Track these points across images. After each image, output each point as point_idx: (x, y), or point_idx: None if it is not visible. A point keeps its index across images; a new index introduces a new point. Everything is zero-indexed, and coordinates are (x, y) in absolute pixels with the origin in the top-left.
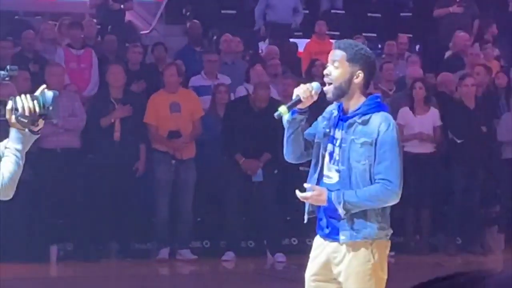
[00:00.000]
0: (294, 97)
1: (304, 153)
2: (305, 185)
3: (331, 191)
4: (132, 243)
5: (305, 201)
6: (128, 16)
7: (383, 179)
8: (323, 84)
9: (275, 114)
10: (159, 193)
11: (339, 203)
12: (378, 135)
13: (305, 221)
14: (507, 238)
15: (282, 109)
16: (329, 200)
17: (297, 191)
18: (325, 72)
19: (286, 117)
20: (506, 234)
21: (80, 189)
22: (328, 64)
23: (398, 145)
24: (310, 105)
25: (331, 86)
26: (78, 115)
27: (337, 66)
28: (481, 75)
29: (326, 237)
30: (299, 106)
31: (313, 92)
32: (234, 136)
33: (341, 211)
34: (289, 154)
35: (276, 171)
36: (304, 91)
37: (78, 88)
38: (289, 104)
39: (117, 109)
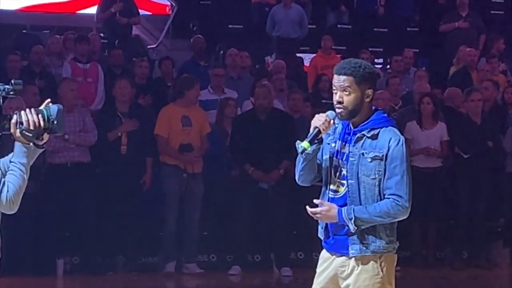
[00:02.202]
0: (311, 129)
1: (317, 175)
2: (315, 201)
3: (338, 205)
4: (138, 257)
5: (314, 217)
6: (135, 31)
7: (393, 194)
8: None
9: (299, 150)
10: (167, 206)
11: (350, 219)
12: (388, 150)
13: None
14: None
15: (305, 144)
16: (340, 216)
17: (307, 207)
18: (336, 99)
19: (307, 150)
20: (511, 248)
21: (87, 202)
22: (336, 91)
23: (407, 160)
24: None
25: (345, 110)
26: (90, 131)
27: (348, 93)
28: (489, 90)
29: (334, 251)
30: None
31: (331, 122)
32: (243, 148)
33: (352, 227)
34: (304, 181)
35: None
36: (323, 123)
37: (85, 102)
38: (309, 138)
39: (124, 123)
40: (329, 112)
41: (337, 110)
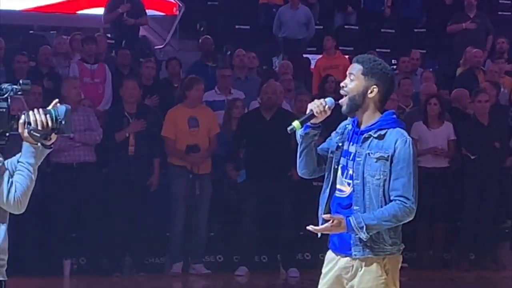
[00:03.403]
0: (307, 111)
1: (317, 168)
2: (324, 216)
3: (343, 206)
4: (145, 257)
5: (323, 232)
6: (142, 31)
7: (400, 196)
8: (336, 99)
9: (288, 128)
10: (175, 207)
11: (361, 228)
12: (394, 151)
13: (319, 236)
14: None
15: (295, 123)
16: (349, 226)
17: (311, 227)
18: (341, 84)
19: (299, 131)
20: None
21: (94, 203)
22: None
23: (414, 162)
24: (324, 120)
25: (346, 98)
26: (94, 130)
27: (352, 79)
28: (489, 91)
29: (339, 252)
30: (312, 121)
31: (326, 107)
32: (247, 147)
33: (364, 236)
34: (302, 169)
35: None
36: (318, 106)
37: (92, 102)
38: (302, 118)
39: (131, 123)
40: (328, 99)
41: (341, 93)
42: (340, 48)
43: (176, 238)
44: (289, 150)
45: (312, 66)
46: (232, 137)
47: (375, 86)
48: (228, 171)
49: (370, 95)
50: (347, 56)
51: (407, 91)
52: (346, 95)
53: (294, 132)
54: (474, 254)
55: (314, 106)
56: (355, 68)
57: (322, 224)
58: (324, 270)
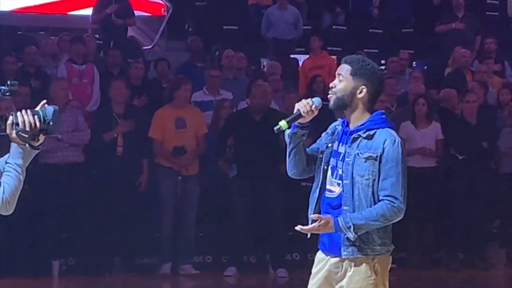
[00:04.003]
0: (294, 111)
1: (306, 168)
2: (312, 216)
3: (333, 207)
4: (134, 258)
5: (312, 232)
6: (131, 32)
7: (388, 196)
8: (324, 99)
9: (275, 128)
10: (163, 208)
11: (349, 228)
12: (383, 151)
13: (309, 237)
14: (508, 253)
15: (282, 123)
16: (337, 226)
17: (299, 227)
18: (330, 84)
19: (287, 131)
20: (508, 249)
21: (83, 203)
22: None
23: (403, 162)
24: (315, 121)
25: (334, 96)
26: (82, 130)
27: (341, 79)
28: (476, 91)
29: (328, 252)
30: (300, 120)
31: (313, 107)
32: (236, 147)
33: (352, 235)
34: (292, 169)
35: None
36: (305, 106)
37: (80, 103)
38: (289, 118)
39: (119, 124)
40: (315, 98)
41: (328, 96)
42: (328, 48)
43: (165, 239)
44: (279, 150)
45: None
46: (219, 133)
47: (363, 87)
48: (220, 165)
49: (359, 96)
50: (335, 57)
51: (392, 90)
52: (333, 95)
53: (281, 131)
54: (463, 254)
55: (301, 105)
56: (344, 69)
57: (310, 224)
58: (313, 270)
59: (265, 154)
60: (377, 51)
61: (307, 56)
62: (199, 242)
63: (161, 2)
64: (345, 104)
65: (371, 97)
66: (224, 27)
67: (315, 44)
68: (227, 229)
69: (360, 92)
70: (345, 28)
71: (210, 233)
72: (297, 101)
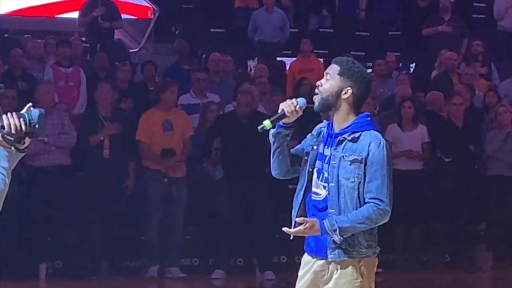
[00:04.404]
0: (279, 111)
1: (290, 169)
2: (297, 219)
3: (319, 209)
4: (121, 261)
5: (297, 235)
6: (117, 35)
7: (374, 198)
8: (310, 101)
9: (259, 128)
10: (150, 211)
11: (334, 230)
12: (368, 153)
13: (291, 238)
14: (495, 256)
15: (266, 122)
16: (323, 229)
17: (285, 228)
18: (317, 82)
19: (271, 131)
20: (494, 251)
21: (70, 206)
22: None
23: (388, 164)
24: (300, 121)
25: (318, 96)
26: (68, 133)
27: (328, 79)
28: (463, 93)
29: (314, 254)
30: (284, 121)
31: (297, 107)
32: (223, 150)
33: (337, 238)
34: (275, 170)
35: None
36: (289, 106)
37: (67, 106)
38: (273, 118)
39: (106, 127)
40: (299, 99)
41: (314, 96)
42: (315, 51)
43: (152, 242)
44: (265, 154)
45: (287, 69)
46: (206, 134)
47: (349, 88)
48: (205, 167)
49: (344, 96)
50: (321, 60)
51: (374, 92)
52: (318, 94)
53: (265, 131)
54: (450, 256)
55: (286, 105)
56: (332, 68)
57: (295, 227)
58: (300, 273)
59: (251, 156)
60: (364, 53)
61: (294, 59)
62: (186, 245)
63: (148, 5)
64: (330, 105)
65: (356, 100)
66: (211, 30)
67: (306, 46)
68: (214, 232)
69: (346, 93)
70: (331, 30)
71: (197, 236)
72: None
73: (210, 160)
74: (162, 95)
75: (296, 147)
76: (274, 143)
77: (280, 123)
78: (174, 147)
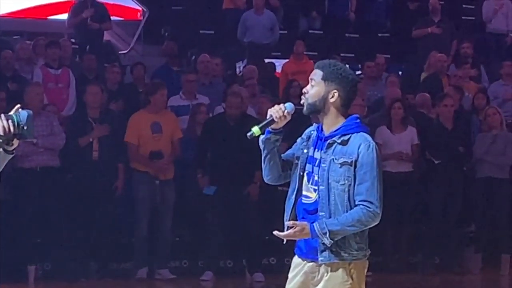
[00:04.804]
0: (267, 117)
1: (282, 174)
2: (287, 223)
3: (309, 212)
4: (111, 263)
5: (288, 238)
6: (107, 36)
7: (364, 201)
8: (299, 104)
9: (248, 134)
10: (139, 213)
11: (325, 233)
12: (358, 156)
13: (284, 242)
14: (484, 258)
15: (255, 129)
16: (313, 232)
17: (276, 232)
18: (303, 90)
19: (260, 137)
20: (483, 253)
21: (58, 208)
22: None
23: (378, 166)
24: (290, 125)
25: (306, 102)
26: (57, 134)
27: (313, 85)
28: (452, 95)
29: (305, 257)
30: (273, 126)
31: (285, 112)
32: (212, 153)
33: (328, 241)
34: (267, 175)
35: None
36: (277, 111)
37: (56, 107)
38: (261, 124)
39: (95, 128)
40: (287, 104)
41: (301, 101)
42: (304, 53)
43: (141, 244)
44: (255, 155)
45: (278, 71)
46: (198, 142)
47: (335, 91)
48: (198, 179)
49: (331, 100)
50: (311, 61)
51: (362, 95)
52: (305, 100)
53: (254, 137)
54: (439, 258)
55: (274, 111)
56: (316, 74)
57: (286, 230)
58: (290, 275)
59: (241, 158)
60: (353, 55)
61: (284, 60)
62: (175, 247)
63: (137, 7)
64: (318, 109)
65: (343, 102)
66: (200, 31)
67: (300, 48)
68: (203, 234)
69: (332, 97)
70: (321, 32)
71: (186, 238)
72: (269, 105)
73: (203, 171)
74: (151, 97)
75: (286, 152)
76: (264, 149)
77: (269, 128)
78: (163, 149)
